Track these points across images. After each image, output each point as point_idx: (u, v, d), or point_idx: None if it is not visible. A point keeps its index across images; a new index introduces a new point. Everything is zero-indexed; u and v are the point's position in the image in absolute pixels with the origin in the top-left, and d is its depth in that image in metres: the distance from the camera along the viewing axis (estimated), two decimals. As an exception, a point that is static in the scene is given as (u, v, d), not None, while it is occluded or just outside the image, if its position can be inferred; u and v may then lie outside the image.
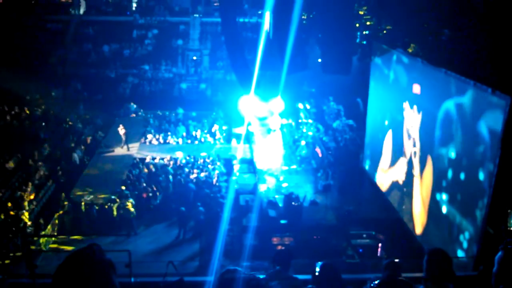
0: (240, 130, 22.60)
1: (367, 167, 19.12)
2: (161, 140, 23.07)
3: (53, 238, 15.54)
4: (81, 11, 33.34)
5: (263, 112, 22.25)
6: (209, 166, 19.94)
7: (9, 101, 24.64)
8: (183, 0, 34.77)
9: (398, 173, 15.97)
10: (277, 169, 20.03)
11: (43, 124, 23.15)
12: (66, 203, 16.62)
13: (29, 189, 17.27)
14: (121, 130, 22.28)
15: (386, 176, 17.17)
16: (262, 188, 18.31)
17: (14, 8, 30.48)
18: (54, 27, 31.34)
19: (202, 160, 20.48)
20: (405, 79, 15.12)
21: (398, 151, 15.90)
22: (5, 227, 14.95)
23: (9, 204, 16.06)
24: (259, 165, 20.16)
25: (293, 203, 16.06)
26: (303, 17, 19.76)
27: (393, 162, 16.38)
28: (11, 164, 19.12)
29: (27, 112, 24.15)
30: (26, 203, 16.45)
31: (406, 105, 15.01)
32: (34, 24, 30.97)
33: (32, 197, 17.14)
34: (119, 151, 22.15)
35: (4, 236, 14.55)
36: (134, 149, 22.29)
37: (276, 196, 17.34)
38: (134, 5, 34.69)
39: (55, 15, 31.88)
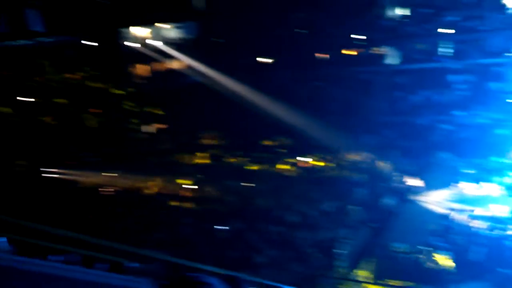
0: None
1: None
2: (476, 191, 21.55)
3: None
4: (393, 61, 34.36)
5: None
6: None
7: (322, 149, 26.74)
8: (497, 40, 32.47)
9: None
10: None
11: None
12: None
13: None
14: None
15: None
16: None
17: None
18: (366, 78, 33.14)
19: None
20: None
21: None
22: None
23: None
24: None
25: None
26: None
27: None
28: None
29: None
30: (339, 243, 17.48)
31: None
32: (348, 76, 33.46)
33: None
34: (429, 198, 21.68)
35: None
36: (445, 198, 21.47)
37: None
38: (444, 50, 34.02)
39: (368, 66, 33.70)
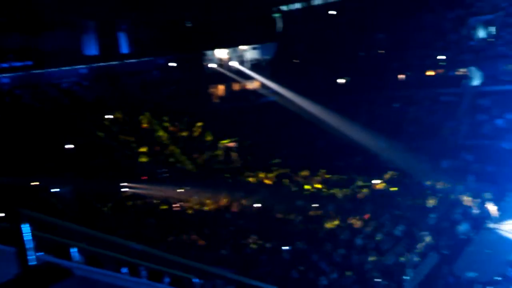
0: None
1: None
2: None
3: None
4: (476, 82, 32.92)
5: None
6: None
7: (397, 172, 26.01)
8: None
9: None
10: None
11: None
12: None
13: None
14: None
15: None
16: None
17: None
18: (447, 100, 32.00)
19: None
20: None
21: None
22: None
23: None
24: None
25: None
26: None
27: None
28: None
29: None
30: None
31: None
32: (430, 97, 32.49)
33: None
34: (508, 227, 20.39)
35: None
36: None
37: None
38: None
39: (449, 87, 32.54)
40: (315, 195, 24.30)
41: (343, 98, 32.61)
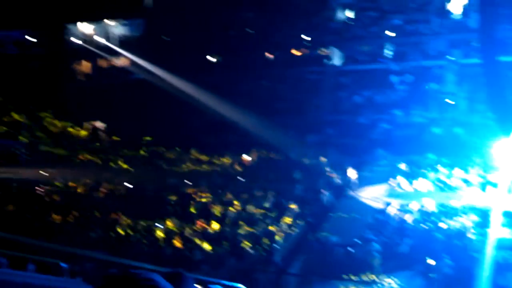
0: (499, 178, 20.28)
1: None
2: (410, 186, 22.32)
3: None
4: (338, 62, 35.03)
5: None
6: (461, 215, 18.39)
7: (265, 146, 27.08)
8: (438, 43, 33.59)
9: None
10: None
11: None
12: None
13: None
14: None
15: None
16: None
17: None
18: (311, 78, 33.72)
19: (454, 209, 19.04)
20: None
21: None
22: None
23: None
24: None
25: None
26: None
27: None
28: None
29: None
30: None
31: None
32: (295, 76, 34.00)
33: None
34: (366, 194, 22.31)
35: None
36: (381, 193, 22.14)
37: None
38: (388, 52, 34.91)
39: (313, 66, 34.29)
40: (187, 173, 24.35)
41: (213, 76, 32.87)
